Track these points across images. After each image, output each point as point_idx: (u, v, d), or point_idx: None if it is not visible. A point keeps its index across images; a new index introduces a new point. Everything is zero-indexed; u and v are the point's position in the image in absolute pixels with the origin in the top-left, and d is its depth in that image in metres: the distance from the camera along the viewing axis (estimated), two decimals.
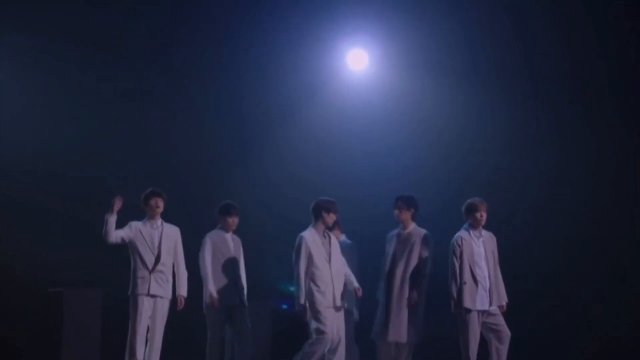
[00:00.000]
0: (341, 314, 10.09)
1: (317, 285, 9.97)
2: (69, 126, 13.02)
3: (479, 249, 10.13)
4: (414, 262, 10.35)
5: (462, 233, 10.21)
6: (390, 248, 10.46)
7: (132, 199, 12.47)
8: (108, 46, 12.96)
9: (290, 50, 13.07)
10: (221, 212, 10.83)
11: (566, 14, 11.94)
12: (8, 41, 12.77)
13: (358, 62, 13.32)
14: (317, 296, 9.93)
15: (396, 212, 10.47)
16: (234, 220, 10.76)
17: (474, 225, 10.18)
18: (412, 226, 10.49)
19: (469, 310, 9.95)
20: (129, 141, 13.18)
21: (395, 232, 10.59)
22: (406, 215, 10.43)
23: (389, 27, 12.85)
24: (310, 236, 10.09)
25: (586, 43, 11.92)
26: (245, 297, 10.72)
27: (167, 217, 12.92)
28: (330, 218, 10.16)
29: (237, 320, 10.57)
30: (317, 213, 10.16)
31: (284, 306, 10.61)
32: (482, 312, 10.03)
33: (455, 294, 10.01)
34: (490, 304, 10.05)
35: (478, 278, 10.05)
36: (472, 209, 10.19)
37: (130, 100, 13.08)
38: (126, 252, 12.67)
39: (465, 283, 9.97)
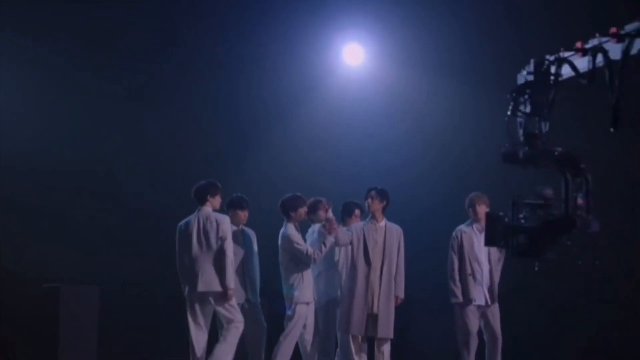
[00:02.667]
0: (312, 306, 10.76)
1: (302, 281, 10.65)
2: (66, 123, 13.35)
3: (479, 244, 10.44)
4: (400, 257, 10.63)
5: (463, 226, 10.57)
6: (361, 239, 10.56)
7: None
8: (107, 44, 13.30)
9: (286, 45, 13.35)
10: (233, 206, 10.89)
11: (564, 11, 12.12)
12: (7, 40, 13.18)
13: (354, 57, 13.61)
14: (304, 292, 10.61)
15: (368, 201, 10.56)
16: (245, 214, 10.96)
17: (476, 220, 10.53)
18: (385, 220, 10.65)
19: (466, 303, 10.35)
20: (127, 138, 13.53)
21: (365, 223, 10.67)
22: (378, 206, 10.56)
23: (385, 22, 13.07)
24: (294, 232, 10.65)
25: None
26: (257, 294, 10.96)
27: (164, 215, 13.44)
28: (299, 214, 10.71)
29: (249, 319, 10.74)
30: (285, 213, 10.74)
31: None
32: (479, 307, 10.40)
33: (453, 287, 10.40)
34: (488, 301, 10.42)
35: (475, 272, 10.40)
36: (473, 203, 10.55)
37: (127, 97, 13.46)
38: (125, 249, 13.27)
39: (466, 275, 10.35)
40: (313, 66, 13.48)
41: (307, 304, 10.61)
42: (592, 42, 4.39)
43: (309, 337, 10.77)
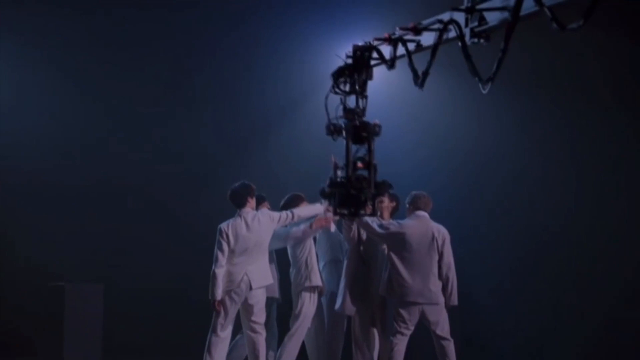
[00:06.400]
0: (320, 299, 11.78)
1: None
2: (72, 122, 14.60)
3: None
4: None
5: None
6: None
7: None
8: (116, 43, 14.61)
9: (294, 45, 14.55)
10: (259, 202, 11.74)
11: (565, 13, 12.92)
12: (16, 42, 14.51)
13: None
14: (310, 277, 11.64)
15: (378, 199, 11.57)
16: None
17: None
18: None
19: None
20: (131, 137, 14.82)
21: (372, 221, 11.24)
22: (387, 204, 11.31)
23: (392, 22, 14.16)
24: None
25: (581, 41, 12.95)
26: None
27: (168, 213, 14.74)
28: None
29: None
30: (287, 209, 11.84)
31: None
32: None
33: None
34: None
35: None
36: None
37: (132, 97, 14.74)
38: (129, 247, 14.55)
39: None
40: (320, 66, 14.07)
41: (313, 290, 11.51)
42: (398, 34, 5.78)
43: (316, 336, 11.71)
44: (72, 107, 14.71)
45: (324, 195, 5.89)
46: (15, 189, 14.39)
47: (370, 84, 14.19)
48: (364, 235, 11.30)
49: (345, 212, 5.81)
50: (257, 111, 14.99)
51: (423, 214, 11.16)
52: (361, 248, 11.32)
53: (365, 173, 6.09)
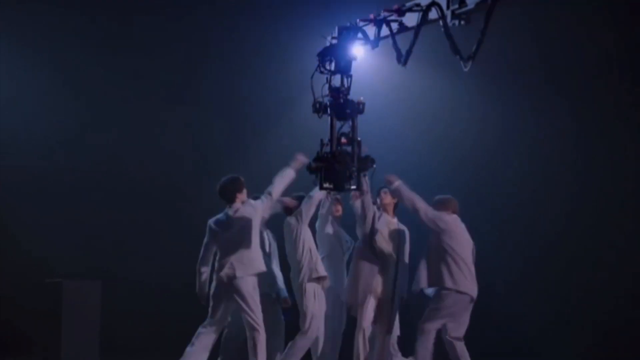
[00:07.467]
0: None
1: None
2: (70, 119, 14.96)
3: None
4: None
5: None
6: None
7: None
8: (116, 42, 15.00)
9: (287, 40, 14.75)
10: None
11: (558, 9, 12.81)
12: (9, 40, 14.92)
13: (356, 50, 15.02)
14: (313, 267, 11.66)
15: (381, 195, 11.39)
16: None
17: None
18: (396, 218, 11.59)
19: None
20: (131, 135, 15.15)
21: (379, 213, 11.50)
22: (390, 200, 11.42)
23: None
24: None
25: (585, 39, 13.02)
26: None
27: (167, 210, 15.05)
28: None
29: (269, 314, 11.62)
30: (286, 210, 11.82)
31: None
32: None
33: None
34: None
35: None
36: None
37: (131, 93, 15.10)
38: (127, 244, 14.82)
39: None
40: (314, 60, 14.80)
41: (318, 281, 11.49)
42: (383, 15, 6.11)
43: (321, 335, 11.70)
44: (72, 105, 15.04)
45: (310, 170, 6.19)
46: (13, 186, 14.68)
47: (369, 81, 14.62)
48: (378, 225, 11.35)
49: (330, 186, 6.10)
50: (257, 109, 15.26)
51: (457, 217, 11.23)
52: (376, 243, 11.35)
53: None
